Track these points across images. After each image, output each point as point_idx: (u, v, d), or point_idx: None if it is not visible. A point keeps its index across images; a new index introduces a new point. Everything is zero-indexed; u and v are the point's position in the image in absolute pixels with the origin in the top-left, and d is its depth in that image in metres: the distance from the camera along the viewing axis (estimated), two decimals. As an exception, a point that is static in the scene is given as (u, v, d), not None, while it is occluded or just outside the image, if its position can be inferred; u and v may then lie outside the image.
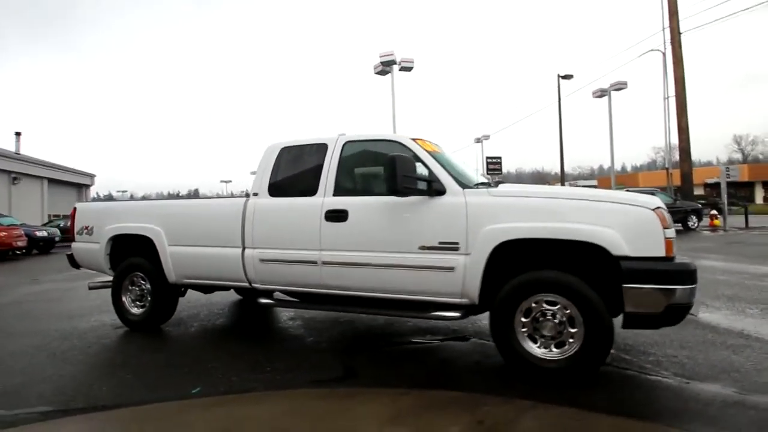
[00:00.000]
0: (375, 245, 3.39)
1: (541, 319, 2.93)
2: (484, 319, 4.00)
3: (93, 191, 38.12)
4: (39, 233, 16.43)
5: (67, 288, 7.61)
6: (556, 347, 2.91)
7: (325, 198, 3.62)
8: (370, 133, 3.80)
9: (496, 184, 3.49)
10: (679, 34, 17.68)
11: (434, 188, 3.24)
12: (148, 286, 4.45)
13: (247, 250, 3.88)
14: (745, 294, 5.33)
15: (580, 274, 2.89)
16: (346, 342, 3.97)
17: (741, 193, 37.56)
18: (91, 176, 35.15)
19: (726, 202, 17.64)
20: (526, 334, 2.98)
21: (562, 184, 27.15)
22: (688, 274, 2.72)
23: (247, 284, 3.99)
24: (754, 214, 20.24)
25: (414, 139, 3.58)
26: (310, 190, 3.72)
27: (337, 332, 4.31)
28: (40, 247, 16.56)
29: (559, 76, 22.56)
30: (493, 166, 29.69)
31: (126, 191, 65.45)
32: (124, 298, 4.57)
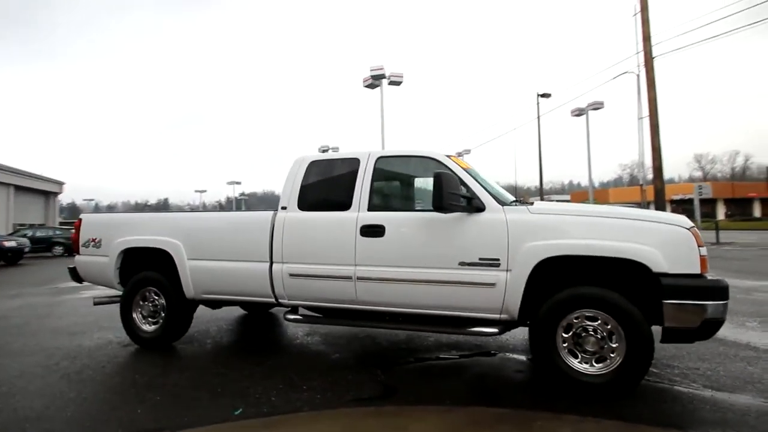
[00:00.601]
0: (413, 261, 3.40)
1: (583, 334, 3.00)
2: (506, 334, 4.04)
3: (61, 199, 36.44)
4: (8, 243, 15.53)
5: (53, 302, 7.22)
6: (597, 362, 2.98)
7: (360, 213, 3.61)
8: (402, 149, 3.83)
9: (523, 202, 3.58)
10: (652, 58, 18.60)
11: (474, 205, 3.30)
12: (162, 301, 4.28)
13: (275, 265, 3.81)
14: (739, 308, 5.60)
15: (618, 290, 2.99)
16: (372, 358, 3.93)
17: (704, 209, 39.64)
18: (60, 183, 33.62)
19: (699, 218, 18.60)
20: (566, 350, 3.04)
21: (541, 199, 27.93)
22: (721, 291, 2.86)
23: (272, 299, 3.90)
24: (721, 229, 21.36)
25: (448, 156, 3.64)
26: (343, 204, 3.70)
27: (359, 347, 4.27)
28: (8, 258, 15.64)
29: (538, 94, 23.43)
30: None
31: (93, 200, 62.85)
32: (134, 315, 4.38)
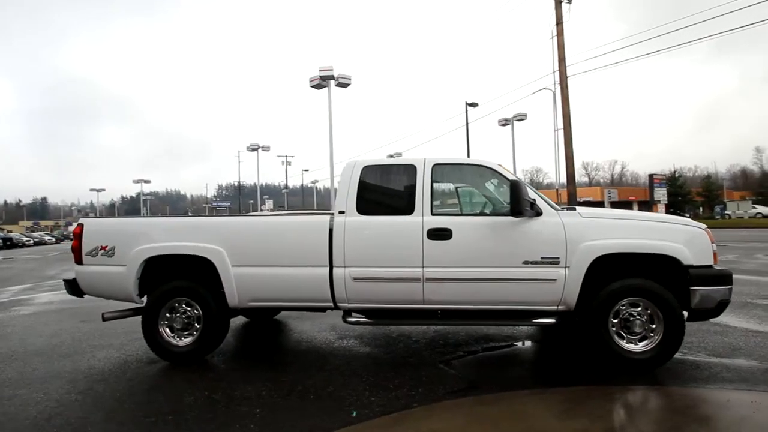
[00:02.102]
0: (479, 261, 3.70)
1: (631, 318, 3.57)
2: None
3: None
4: None
5: (16, 318, 6.11)
6: (640, 341, 3.57)
7: (425, 217, 3.80)
8: (457, 157, 4.12)
9: (570, 207, 4.09)
10: (566, 77, 21.05)
11: (535, 210, 3.69)
12: (196, 312, 4.01)
13: (336, 269, 3.82)
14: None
15: (654, 280, 3.61)
16: (423, 354, 4.13)
17: (593, 210, 45.83)
18: None
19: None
20: (615, 333, 3.58)
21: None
22: (729, 278, 3.62)
23: (330, 304, 3.90)
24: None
25: (499, 165, 4.00)
26: (406, 209, 3.86)
27: (402, 347, 4.42)
28: None
29: (466, 103, 25.18)
30: None
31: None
32: (161, 329, 4.02)
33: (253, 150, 36.60)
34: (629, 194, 50.15)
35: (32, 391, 3.39)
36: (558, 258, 3.62)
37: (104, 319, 4.24)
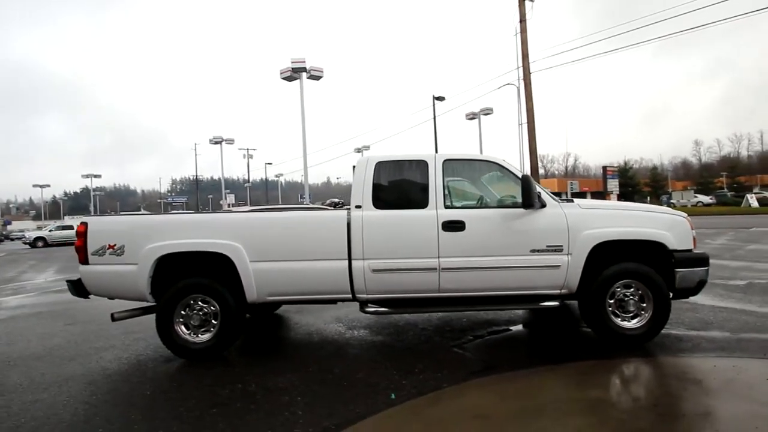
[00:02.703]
0: (491, 250, 3.96)
1: (625, 299, 3.96)
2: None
3: None
4: None
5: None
6: (632, 318, 3.98)
7: (438, 210, 4.00)
8: (465, 153, 4.33)
9: (568, 200, 4.43)
10: (530, 73, 21.86)
11: (541, 202, 3.99)
12: (213, 308, 4.02)
13: (355, 262, 3.95)
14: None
15: (644, 264, 4.01)
16: (434, 340, 4.37)
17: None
18: None
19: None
20: (611, 312, 3.97)
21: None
22: (706, 260, 4.09)
23: (349, 295, 4.04)
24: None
25: (504, 160, 4.27)
26: (420, 203, 4.05)
27: (413, 334, 4.63)
28: None
29: (434, 97, 25.63)
30: None
31: None
32: (177, 327, 4.00)
33: (217, 143, 35.35)
34: (583, 185, 52.98)
35: (54, 394, 3.31)
36: (561, 246, 3.94)
37: (114, 319, 4.16)
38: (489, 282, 3.99)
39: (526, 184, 3.80)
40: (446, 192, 4.12)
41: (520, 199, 4.07)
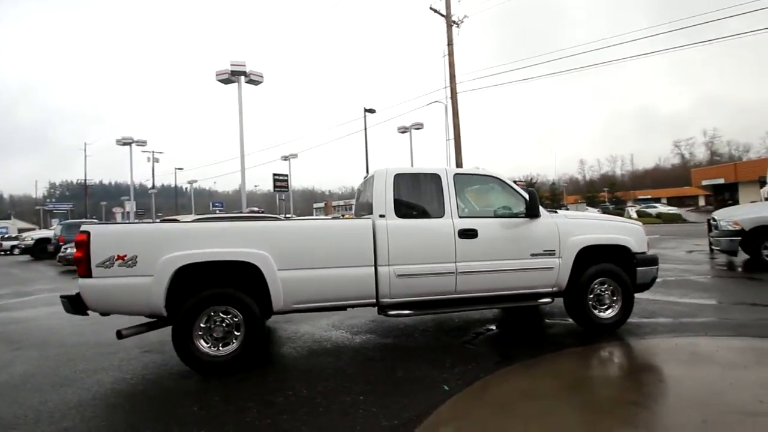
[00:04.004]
0: (499, 255, 4.47)
1: (601, 293, 4.74)
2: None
3: None
4: None
5: None
6: (606, 310, 4.77)
7: (454, 220, 4.41)
8: (470, 168, 4.81)
9: (553, 210, 5.12)
10: (456, 93, 23.58)
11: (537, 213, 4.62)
12: (236, 319, 3.93)
13: (381, 268, 4.17)
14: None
15: (614, 264, 4.85)
16: (444, 339, 4.74)
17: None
18: None
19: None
20: (591, 305, 4.72)
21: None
22: (657, 260, 5.07)
23: (373, 300, 4.23)
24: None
25: (501, 176, 4.84)
26: (437, 212, 4.43)
27: (419, 335, 4.95)
28: None
29: (365, 109, 26.23)
30: (280, 183, 31.07)
31: None
32: (197, 341, 3.82)
33: (126, 144, 31.75)
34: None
35: (81, 421, 3.00)
36: (554, 250, 4.60)
37: (122, 336, 3.83)
38: (497, 283, 4.48)
39: (532, 197, 4.40)
40: (459, 203, 4.55)
41: (513, 210, 4.68)
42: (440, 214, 4.43)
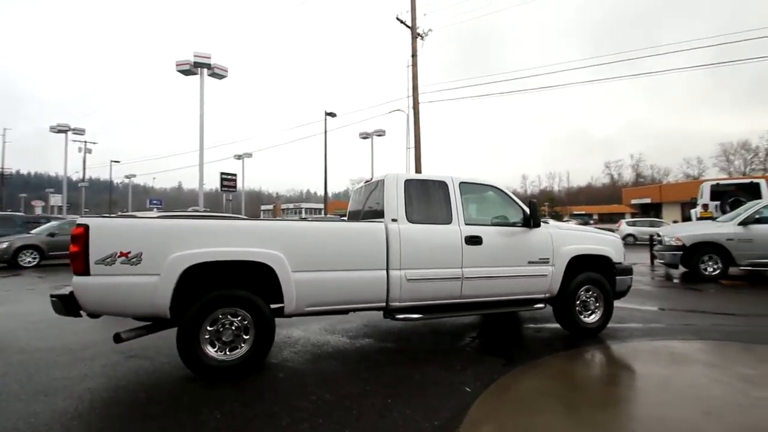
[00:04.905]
0: (501, 261, 4.67)
1: (587, 300, 5.10)
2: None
3: None
4: None
5: None
6: (590, 315, 5.13)
7: (461, 226, 4.56)
8: (476, 177, 4.97)
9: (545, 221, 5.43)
10: (419, 103, 24.11)
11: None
12: (245, 322, 3.78)
13: (393, 272, 4.20)
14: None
15: (596, 273, 5.24)
16: (443, 344, 4.84)
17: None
18: None
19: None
20: (578, 311, 5.06)
21: (325, 204, 30.57)
22: (632, 270, 5.54)
23: (383, 304, 4.24)
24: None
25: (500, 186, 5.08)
26: (445, 219, 4.55)
27: (417, 340, 5.02)
28: None
29: (325, 112, 26.02)
30: (228, 182, 30.05)
31: None
32: (204, 345, 3.62)
33: (61, 131, 28.75)
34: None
35: (103, 427, 2.73)
36: (548, 258, 4.89)
37: (121, 340, 3.54)
38: (498, 288, 4.68)
39: (533, 208, 4.66)
40: (464, 210, 4.71)
41: (510, 219, 4.93)
42: (448, 220, 4.56)
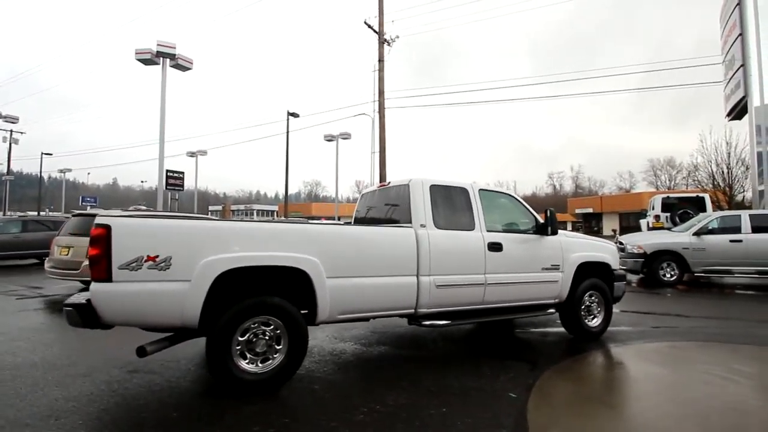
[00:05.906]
0: (519, 268, 4.78)
1: (590, 305, 5.34)
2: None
3: None
4: None
5: None
6: (593, 319, 5.39)
7: (483, 233, 4.61)
8: (494, 186, 5.05)
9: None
10: (384, 108, 24.28)
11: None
12: (278, 332, 3.56)
13: (422, 278, 4.15)
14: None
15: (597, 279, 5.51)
16: (457, 349, 4.86)
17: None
18: None
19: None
20: (583, 315, 5.29)
21: (285, 206, 29.73)
22: (626, 276, 5.89)
23: (412, 311, 4.18)
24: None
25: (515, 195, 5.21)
26: (469, 225, 4.58)
27: (431, 345, 4.99)
28: None
29: (288, 112, 25.39)
30: (174, 180, 28.57)
31: None
32: (236, 357, 3.36)
33: None
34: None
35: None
36: (559, 265, 5.08)
37: (146, 353, 3.19)
38: (516, 294, 4.78)
39: (552, 216, 4.81)
40: (485, 217, 4.76)
41: (522, 227, 5.08)
42: (471, 226, 4.60)
